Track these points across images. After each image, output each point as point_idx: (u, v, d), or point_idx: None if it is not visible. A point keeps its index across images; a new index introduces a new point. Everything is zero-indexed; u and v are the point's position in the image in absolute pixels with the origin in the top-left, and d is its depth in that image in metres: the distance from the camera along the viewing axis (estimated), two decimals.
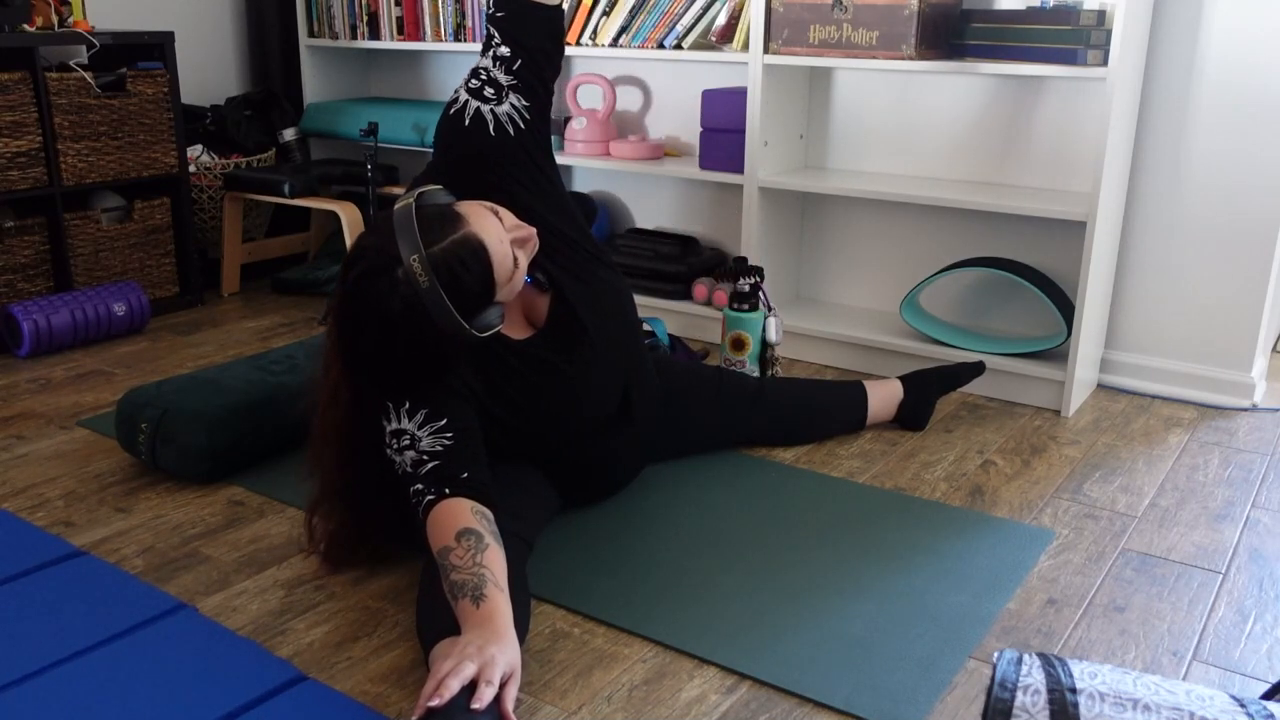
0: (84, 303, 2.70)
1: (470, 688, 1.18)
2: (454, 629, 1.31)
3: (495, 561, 1.35)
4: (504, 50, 1.73)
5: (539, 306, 1.73)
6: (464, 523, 1.38)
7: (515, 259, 1.57)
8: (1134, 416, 2.32)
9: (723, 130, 2.68)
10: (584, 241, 1.78)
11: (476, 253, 1.49)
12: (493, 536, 1.39)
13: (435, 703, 1.14)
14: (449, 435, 1.49)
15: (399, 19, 3.19)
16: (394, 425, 1.51)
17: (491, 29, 1.75)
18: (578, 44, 2.84)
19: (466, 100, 1.71)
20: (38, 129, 2.68)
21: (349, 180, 3.17)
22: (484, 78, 1.72)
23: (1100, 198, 2.18)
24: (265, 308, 3.12)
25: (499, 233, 1.53)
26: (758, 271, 2.37)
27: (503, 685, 1.22)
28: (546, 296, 1.73)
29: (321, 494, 1.61)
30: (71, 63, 2.77)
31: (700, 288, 2.84)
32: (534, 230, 1.61)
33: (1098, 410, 2.36)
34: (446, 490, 1.44)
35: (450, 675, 1.17)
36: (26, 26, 2.67)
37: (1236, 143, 2.27)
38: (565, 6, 1.93)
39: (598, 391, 1.74)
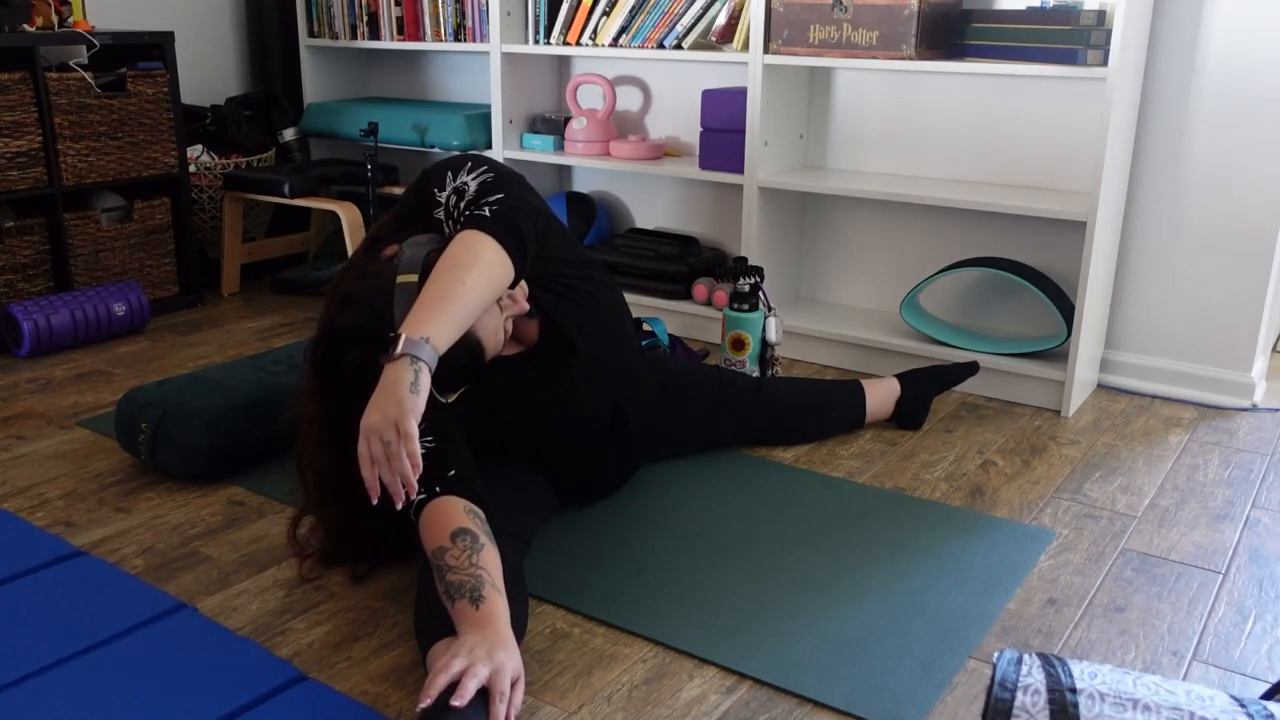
0: (84, 303, 2.70)
1: (452, 686, 1.18)
2: (453, 631, 1.31)
3: (492, 562, 1.35)
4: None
5: (528, 329, 1.73)
6: (458, 523, 1.38)
7: (506, 330, 1.62)
8: (1134, 416, 2.32)
9: (723, 130, 2.68)
10: (574, 259, 1.76)
11: (472, 353, 1.54)
12: (487, 536, 1.39)
13: (458, 703, 1.15)
14: (429, 439, 1.49)
15: (399, 19, 3.19)
16: None
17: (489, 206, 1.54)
18: (578, 44, 2.84)
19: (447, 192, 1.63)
20: (38, 129, 2.68)
21: (349, 180, 3.17)
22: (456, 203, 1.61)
23: (1100, 198, 2.18)
24: (265, 308, 3.12)
25: (496, 323, 1.58)
26: (758, 271, 2.37)
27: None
28: (535, 320, 1.73)
29: (305, 508, 1.62)
30: (71, 63, 2.77)
31: (700, 288, 2.84)
32: (526, 298, 1.64)
33: (1098, 410, 2.36)
34: (437, 489, 1.44)
35: (467, 676, 1.18)
36: (26, 26, 2.67)
37: (1236, 142, 2.27)
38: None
39: (586, 408, 1.73)
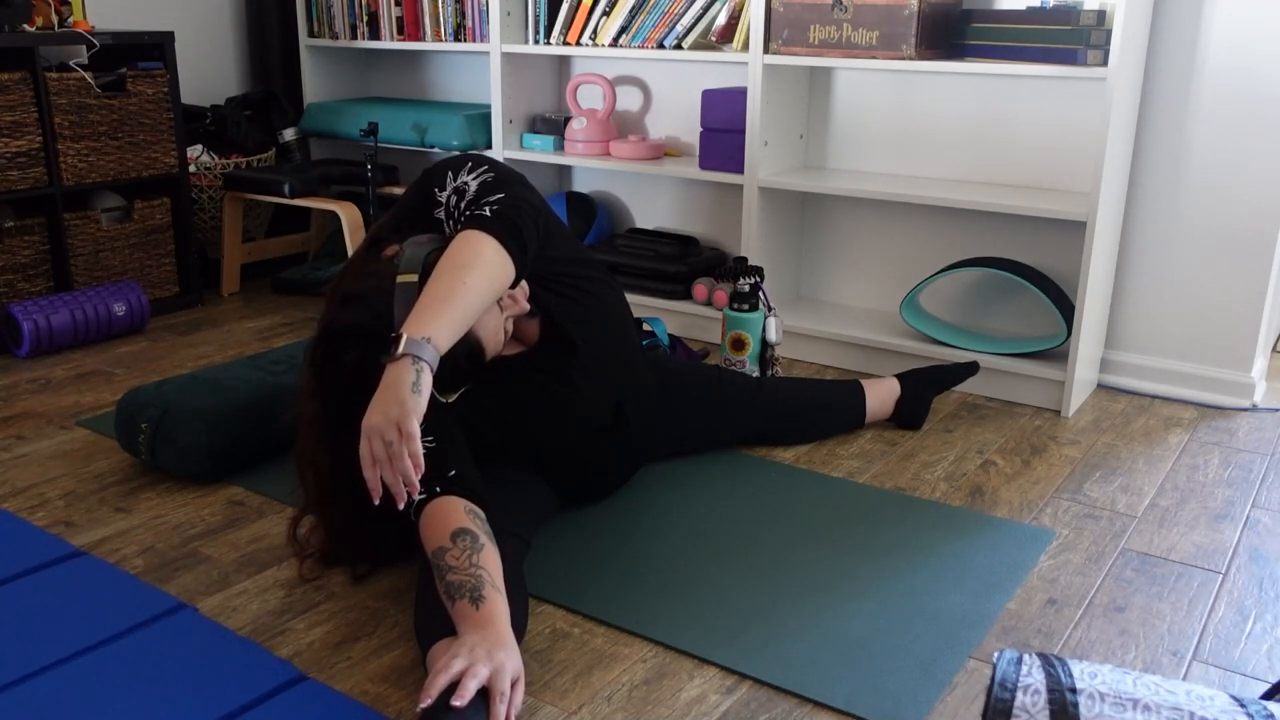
0: (84, 303, 2.70)
1: (452, 686, 1.18)
2: (453, 630, 1.31)
3: (492, 562, 1.35)
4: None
5: (529, 328, 1.73)
6: (458, 523, 1.38)
7: (506, 330, 1.61)
8: (1134, 416, 2.32)
9: (723, 130, 2.68)
10: (575, 258, 1.76)
11: (472, 353, 1.53)
12: (487, 536, 1.39)
13: (458, 703, 1.15)
14: (429, 439, 1.49)
15: (399, 19, 3.19)
16: None
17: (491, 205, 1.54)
18: (578, 44, 2.84)
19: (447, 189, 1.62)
20: (38, 129, 2.68)
21: (349, 180, 3.17)
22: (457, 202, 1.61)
23: (1100, 198, 2.18)
24: (265, 308, 3.12)
25: (497, 323, 1.58)
26: (758, 271, 2.37)
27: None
28: (535, 320, 1.73)
29: (305, 508, 1.62)
30: (71, 63, 2.77)
31: (700, 288, 2.84)
32: (527, 298, 1.63)
33: (1098, 410, 2.36)
34: (437, 489, 1.44)
35: (468, 676, 1.18)
36: (26, 26, 2.67)
37: (1236, 142, 2.27)
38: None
39: (588, 407, 1.73)
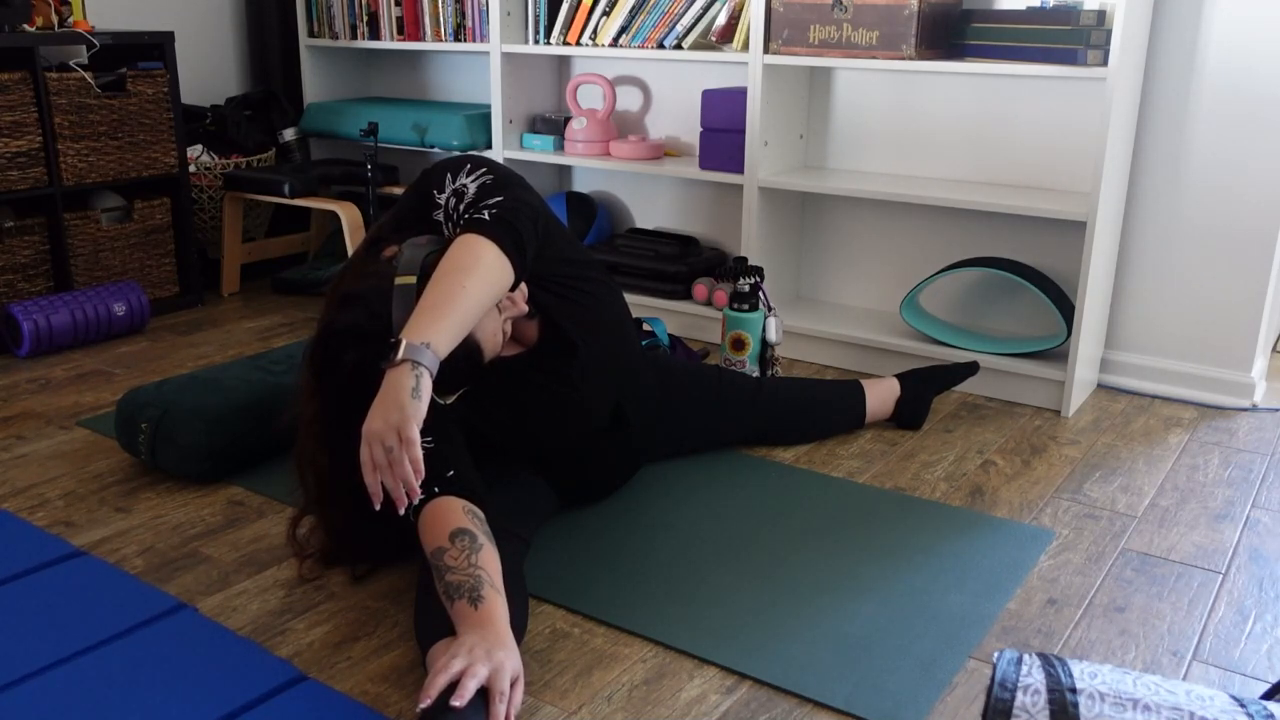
0: (84, 303, 2.70)
1: (451, 686, 1.18)
2: (453, 631, 1.31)
3: (490, 562, 1.35)
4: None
5: (528, 329, 1.73)
6: (457, 523, 1.38)
7: (505, 332, 1.61)
8: (1134, 416, 2.32)
9: (723, 130, 2.68)
10: (575, 259, 1.76)
11: (471, 355, 1.53)
12: (486, 536, 1.39)
13: (457, 703, 1.15)
14: (428, 439, 1.49)
15: (399, 19, 3.19)
16: None
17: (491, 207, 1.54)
18: (578, 44, 2.84)
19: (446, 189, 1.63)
20: (38, 129, 2.68)
21: (349, 180, 3.17)
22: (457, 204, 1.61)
23: (1100, 198, 2.18)
24: (265, 308, 3.12)
25: (495, 325, 1.58)
26: (758, 271, 2.37)
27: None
28: (535, 321, 1.73)
29: (305, 509, 1.62)
30: (71, 63, 2.77)
31: (700, 288, 2.84)
32: (525, 299, 1.64)
33: (1098, 410, 2.36)
34: (436, 489, 1.44)
35: (467, 676, 1.18)
36: (26, 26, 2.67)
37: (1236, 142, 2.27)
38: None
39: (587, 407, 1.73)
